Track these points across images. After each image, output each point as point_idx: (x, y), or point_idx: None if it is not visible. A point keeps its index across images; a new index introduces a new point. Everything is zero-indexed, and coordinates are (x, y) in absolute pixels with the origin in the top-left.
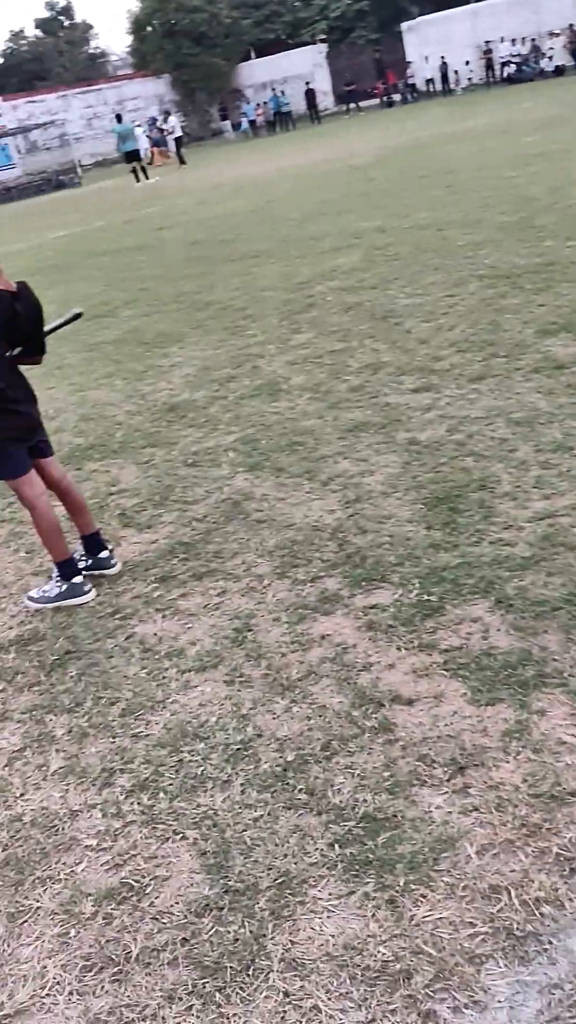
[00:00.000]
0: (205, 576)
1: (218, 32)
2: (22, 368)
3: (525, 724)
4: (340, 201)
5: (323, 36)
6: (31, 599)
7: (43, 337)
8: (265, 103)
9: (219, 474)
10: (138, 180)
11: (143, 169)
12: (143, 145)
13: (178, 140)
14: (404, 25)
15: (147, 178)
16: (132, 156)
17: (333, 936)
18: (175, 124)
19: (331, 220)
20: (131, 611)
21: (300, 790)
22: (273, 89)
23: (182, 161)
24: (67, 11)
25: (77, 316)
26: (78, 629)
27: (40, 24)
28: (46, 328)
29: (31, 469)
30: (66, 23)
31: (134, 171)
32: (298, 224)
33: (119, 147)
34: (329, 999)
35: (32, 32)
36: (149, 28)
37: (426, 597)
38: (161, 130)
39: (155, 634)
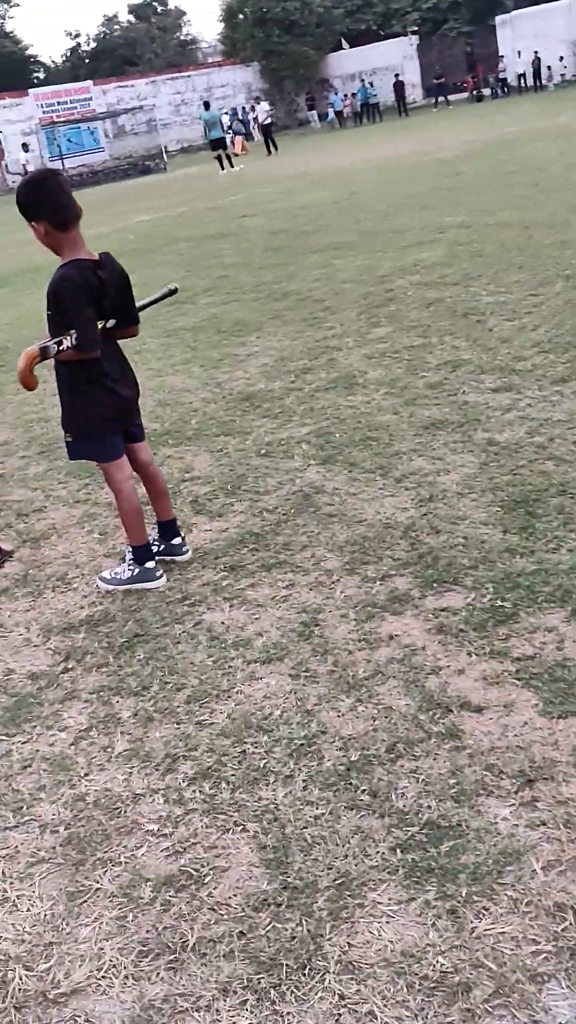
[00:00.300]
0: (274, 567)
1: (309, 21)
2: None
3: None
4: (425, 195)
5: (415, 28)
6: (103, 580)
7: (134, 307)
8: (353, 94)
9: (291, 466)
10: (223, 168)
11: (228, 157)
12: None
13: (268, 127)
14: (499, 18)
15: (232, 166)
16: (218, 143)
17: (391, 942)
18: (265, 111)
19: (415, 214)
20: (200, 598)
21: (363, 791)
22: (362, 80)
23: (270, 150)
24: None
25: (172, 292)
26: (147, 613)
27: (133, 10)
28: (141, 303)
29: (123, 454)
30: (159, 9)
31: (219, 158)
32: (381, 217)
33: (206, 134)
34: (385, 1005)
35: (125, 18)
36: (241, 16)
37: (500, 603)
38: (243, 121)
39: (222, 623)
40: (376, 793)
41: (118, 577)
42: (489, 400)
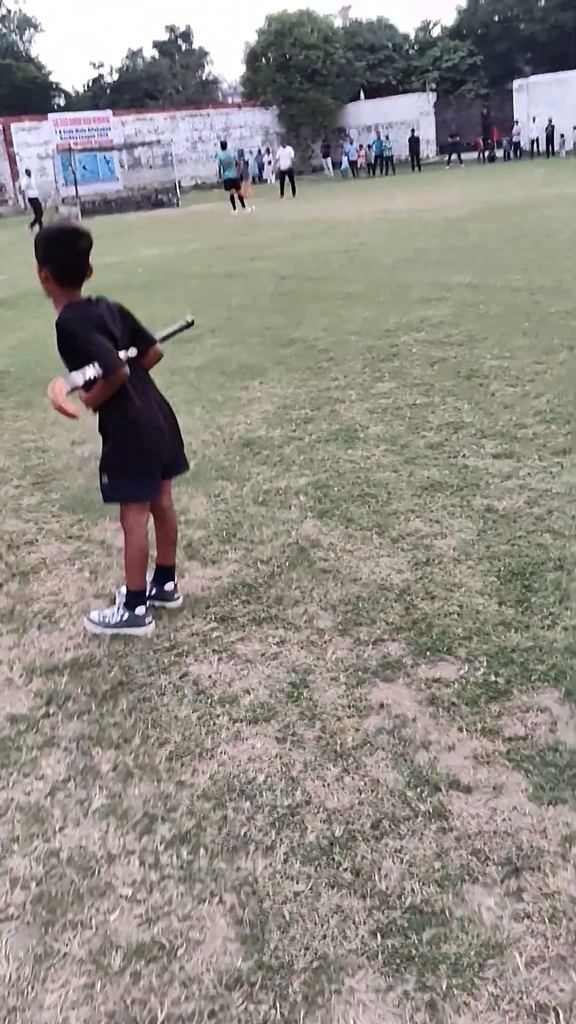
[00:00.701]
0: (265, 622)
1: (331, 71)
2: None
3: None
4: (433, 251)
5: (433, 86)
6: (91, 621)
7: (146, 330)
8: (368, 145)
9: (288, 517)
10: (234, 208)
11: (241, 198)
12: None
13: (289, 172)
14: (515, 83)
15: (244, 207)
16: (231, 183)
17: None
18: (288, 156)
19: (423, 270)
20: (188, 648)
21: (345, 868)
22: (378, 132)
23: (283, 192)
24: (186, 36)
25: (190, 324)
26: (133, 660)
27: (158, 46)
28: (159, 335)
29: (154, 496)
30: (183, 47)
31: (232, 198)
32: (389, 270)
33: (220, 173)
34: None
35: (150, 53)
36: (263, 60)
37: (493, 678)
38: (246, 163)
39: (209, 676)
40: (359, 872)
41: (106, 620)
42: (489, 466)
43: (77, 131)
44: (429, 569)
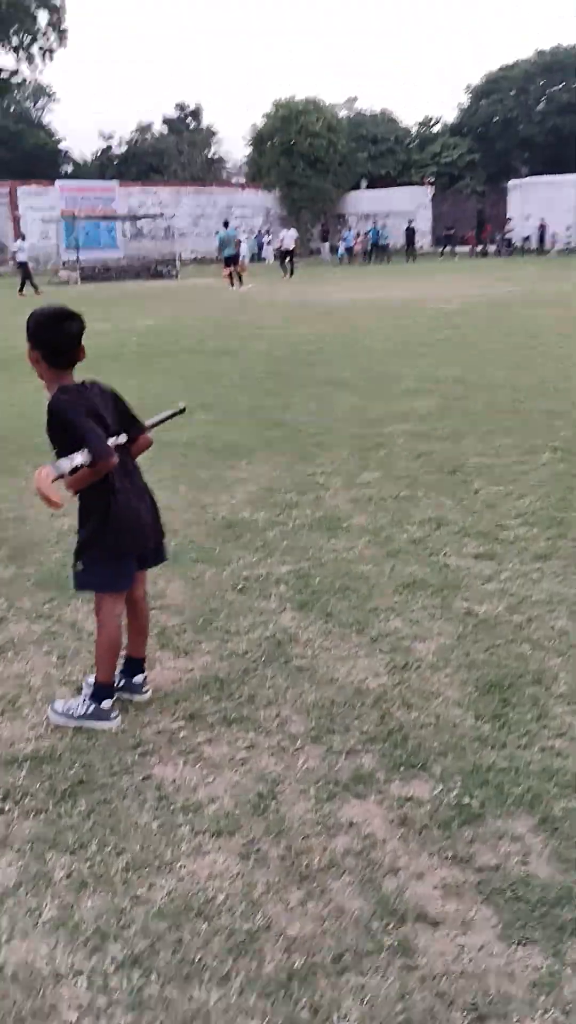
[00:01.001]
0: (235, 723)
1: (333, 159)
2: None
3: (557, 977)
4: (422, 342)
5: (432, 179)
6: (55, 711)
7: (137, 417)
8: (365, 233)
9: (266, 607)
10: (232, 285)
11: (239, 275)
12: (243, 252)
13: (291, 253)
14: (511, 183)
15: (241, 285)
16: (230, 261)
17: None
18: (292, 237)
19: (411, 361)
20: (153, 747)
21: (303, 1006)
22: (375, 221)
23: (285, 271)
24: (196, 114)
25: (181, 411)
26: (95, 757)
27: (168, 122)
28: (149, 421)
29: (130, 586)
30: (192, 125)
31: (230, 276)
32: (379, 358)
33: (220, 251)
34: None
35: (159, 128)
36: (269, 144)
37: (467, 800)
38: (239, 242)
39: (173, 780)
40: (317, 1010)
41: (71, 712)
42: (470, 567)
43: (82, 199)
44: (407, 675)
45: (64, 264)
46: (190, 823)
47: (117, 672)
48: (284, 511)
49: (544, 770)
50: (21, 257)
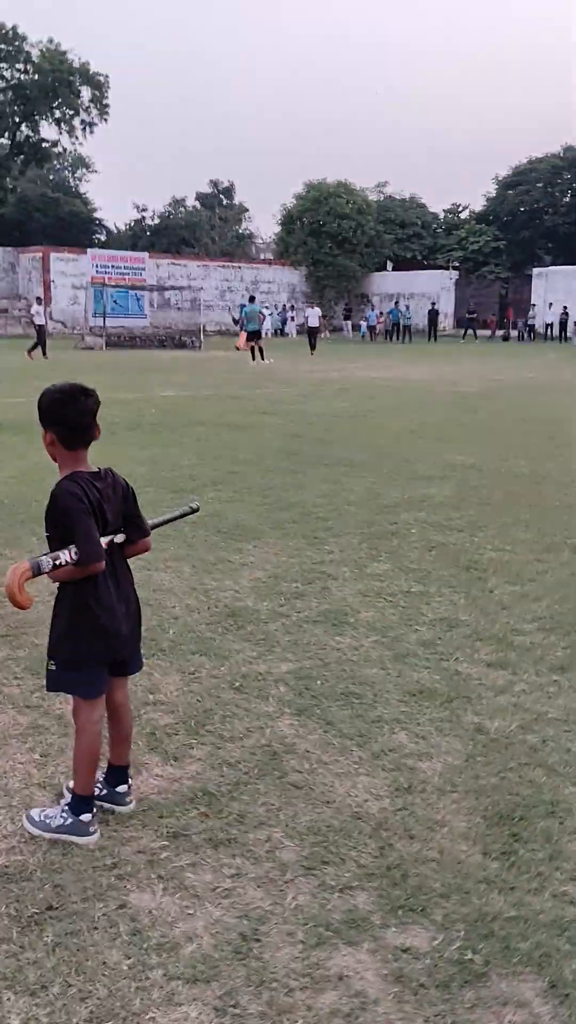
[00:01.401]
0: (222, 845)
1: (360, 240)
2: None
3: None
4: (440, 426)
5: (457, 264)
6: (30, 820)
7: (143, 518)
8: (387, 313)
9: (264, 710)
10: (254, 359)
11: (261, 350)
12: (266, 327)
13: (316, 330)
14: (535, 270)
15: (263, 359)
16: (253, 335)
17: None
18: (316, 315)
19: (428, 444)
20: (131, 870)
21: None
22: (397, 303)
23: (312, 349)
24: (228, 192)
25: (194, 510)
26: (68, 877)
27: (200, 198)
28: (157, 520)
29: (103, 693)
30: (225, 202)
31: (252, 350)
32: (395, 440)
33: (244, 324)
34: None
35: (192, 203)
36: (298, 223)
37: (470, 955)
38: (262, 316)
39: (150, 912)
40: None
41: (47, 822)
42: (483, 675)
43: (113, 267)
44: (410, 798)
45: (91, 330)
46: (164, 966)
47: (99, 779)
48: (289, 601)
49: (555, 922)
50: (38, 320)
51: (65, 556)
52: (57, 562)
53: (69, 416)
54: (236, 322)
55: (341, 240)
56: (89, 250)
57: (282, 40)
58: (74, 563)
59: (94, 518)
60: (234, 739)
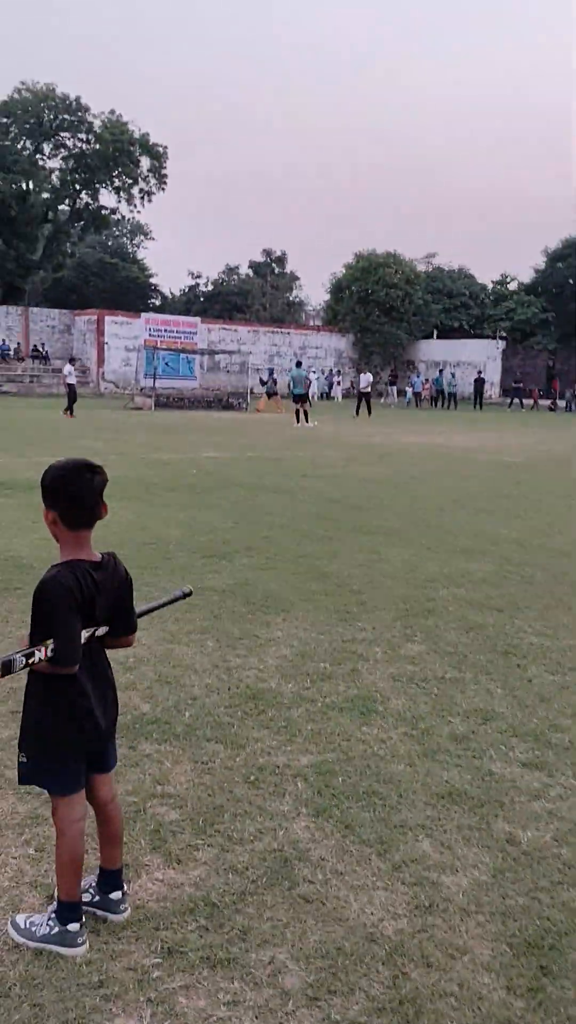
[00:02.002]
0: (220, 966)
1: (408, 309)
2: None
3: None
4: (483, 497)
5: (504, 334)
6: (15, 926)
7: (133, 614)
8: (431, 380)
9: (279, 809)
10: (298, 422)
11: (306, 413)
12: (312, 390)
13: (367, 394)
14: None
15: (307, 422)
16: (299, 398)
17: None
18: (367, 380)
19: (470, 516)
20: (118, 990)
21: None
22: (442, 371)
23: (358, 412)
24: (280, 260)
25: (187, 595)
26: (49, 995)
27: (253, 266)
28: (147, 606)
29: (81, 788)
30: (276, 270)
31: (297, 412)
32: (437, 510)
33: (291, 388)
34: None
35: (245, 271)
36: (347, 292)
37: None
38: (275, 382)
39: None
40: None
41: (32, 930)
42: (517, 777)
43: (166, 331)
44: (431, 919)
45: (141, 390)
46: None
47: (91, 884)
48: (315, 684)
49: None
50: (70, 379)
51: (40, 654)
52: (30, 660)
53: (73, 495)
54: (263, 383)
55: (389, 308)
56: (143, 314)
57: (334, 115)
58: (48, 660)
59: (82, 612)
60: (244, 841)
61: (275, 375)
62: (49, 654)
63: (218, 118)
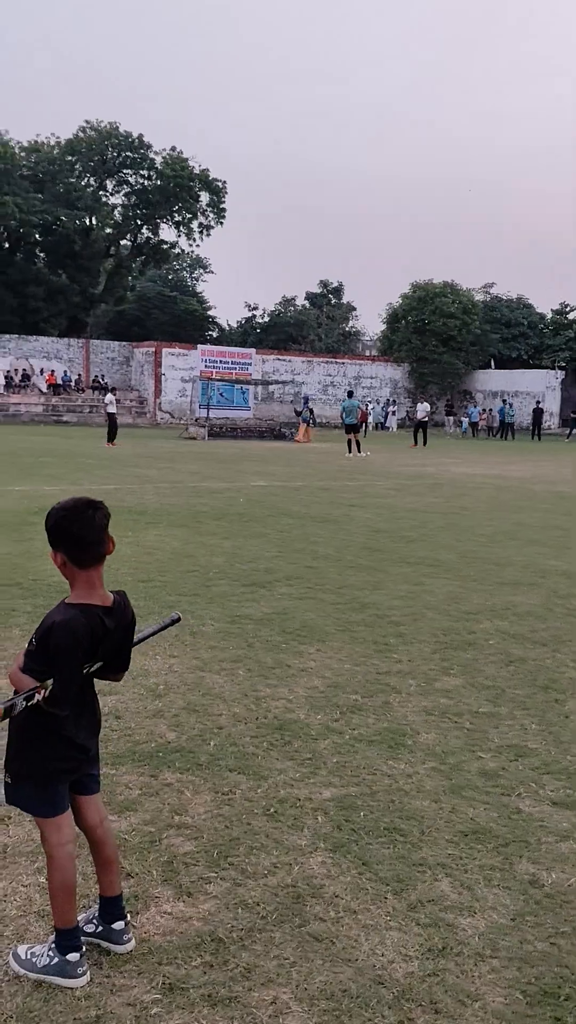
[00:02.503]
0: (220, 1004)
1: (465, 339)
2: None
3: None
4: (535, 528)
5: (563, 364)
6: (17, 958)
7: (128, 653)
8: (489, 410)
9: (296, 843)
10: (350, 451)
11: (358, 443)
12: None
13: (424, 423)
14: None
15: (359, 452)
16: (351, 428)
17: None
18: (424, 410)
19: (519, 548)
20: None
21: None
22: (504, 400)
23: (416, 442)
24: (337, 291)
25: (175, 621)
26: None
27: (310, 297)
28: (140, 635)
29: (66, 810)
30: (333, 301)
31: (349, 442)
32: (486, 541)
33: (343, 418)
34: None
35: (301, 302)
36: (403, 322)
37: None
38: (311, 410)
39: None
40: None
41: (33, 961)
42: (546, 816)
43: (221, 362)
44: (443, 962)
45: (196, 420)
46: None
47: (94, 915)
48: (344, 716)
49: None
50: (110, 409)
51: (39, 697)
52: (30, 703)
53: (78, 534)
54: (298, 414)
55: (446, 338)
56: (199, 346)
57: (389, 144)
58: (44, 700)
59: (86, 653)
60: (257, 875)
61: (310, 404)
62: (46, 695)
63: (275, 154)
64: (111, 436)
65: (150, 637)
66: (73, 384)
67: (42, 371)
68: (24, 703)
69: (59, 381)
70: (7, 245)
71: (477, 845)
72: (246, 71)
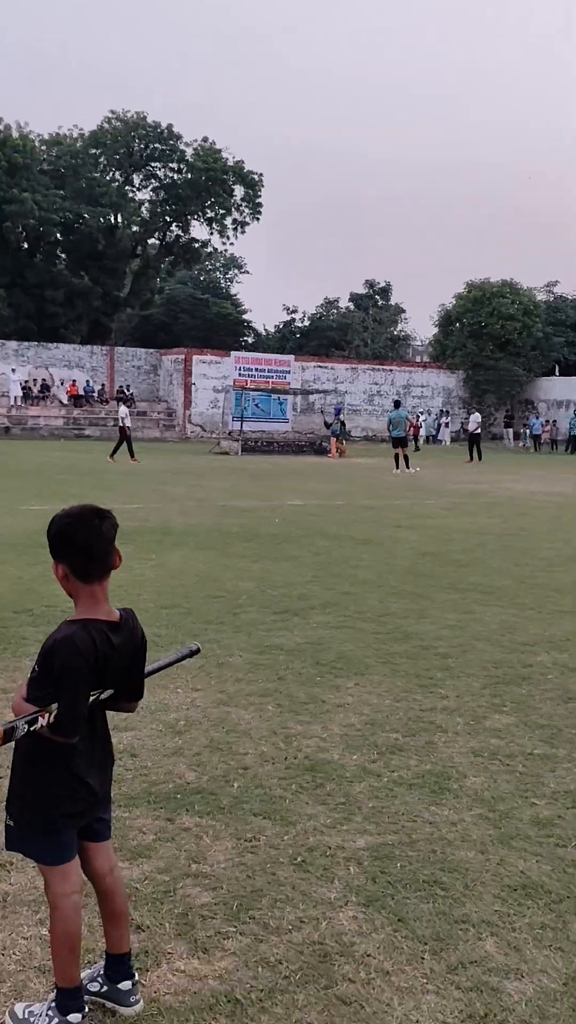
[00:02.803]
0: None
1: (526, 343)
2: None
3: None
4: None
5: None
6: (12, 1017)
7: (141, 680)
8: (553, 422)
9: (326, 896)
10: (397, 467)
11: (406, 457)
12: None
13: (477, 436)
14: None
15: (407, 467)
16: (399, 442)
17: None
18: (476, 422)
19: None
20: None
21: None
22: (575, 409)
23: (472, 457)
24: (384, 292)
25: (194, 652)
26: None
27: (354, 298)
28: (156, 665)
29: (73, 858)
30: (380, 303)
31: (396, 457)
32: (545, 565)
33: (389, 431)
34: None
35: (345, 304)
36: (457, 325)
37: None
38: (342, 423)
39: None
40: None
41: (31, 1020)
42: None
43: (257, 370)
44: None
45: (229, 434)
46: None
47: (100, 973)
48: (383, 756)
49: None
50: (126, 422)
51: (42, 721)
52: (33, 727)
53: (82, 545)
54: (328, 426)
55: (504, 342)
56: (233, 353)
57: (440, 136)
58: (48, 726)
59: (93, 675)
60: (281, 931)
61: (341, 415)
62: (51, 720)
63: (315, 144)
64: (131, 450)
65: (164, 668)
66: (96, 395)
67: (63, 381)
68: (26, 726)
69: (81, 392)
70: (26, 245)
71: (527, 901)
72: (283, 54)
